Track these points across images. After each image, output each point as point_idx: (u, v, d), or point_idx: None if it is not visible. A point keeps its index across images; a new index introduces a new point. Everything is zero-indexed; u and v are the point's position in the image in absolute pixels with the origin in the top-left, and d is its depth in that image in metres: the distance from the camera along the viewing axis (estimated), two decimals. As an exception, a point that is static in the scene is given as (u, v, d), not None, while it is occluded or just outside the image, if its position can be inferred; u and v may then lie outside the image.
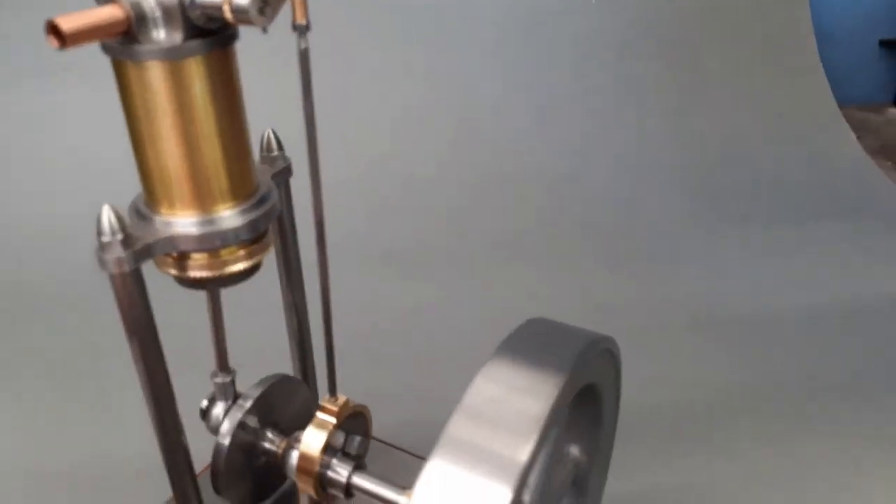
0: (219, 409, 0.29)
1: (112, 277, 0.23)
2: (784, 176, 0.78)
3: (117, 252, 0.22)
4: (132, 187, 0.26)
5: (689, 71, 0.84)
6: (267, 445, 0.30)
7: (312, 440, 0.28)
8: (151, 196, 0.24)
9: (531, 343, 0.23)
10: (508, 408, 0.20)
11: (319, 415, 0.28)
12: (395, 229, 0.67)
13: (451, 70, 0.79)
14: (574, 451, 0.31)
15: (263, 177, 0.27)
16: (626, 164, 0.77)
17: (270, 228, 0.28)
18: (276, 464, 0.30)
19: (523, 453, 0.19)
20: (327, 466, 0.28)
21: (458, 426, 0.20)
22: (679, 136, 0.80)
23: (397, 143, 0.74)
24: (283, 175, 0.28)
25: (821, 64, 0.90)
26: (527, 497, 0.26)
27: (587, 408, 0.29)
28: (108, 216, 0.22)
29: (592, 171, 0.76)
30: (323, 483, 0.28)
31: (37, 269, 0.61)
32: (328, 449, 0.28)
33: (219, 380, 0.29)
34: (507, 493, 0.19)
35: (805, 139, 0.83)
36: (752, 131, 0.82)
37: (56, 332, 0.54)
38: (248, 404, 0.29)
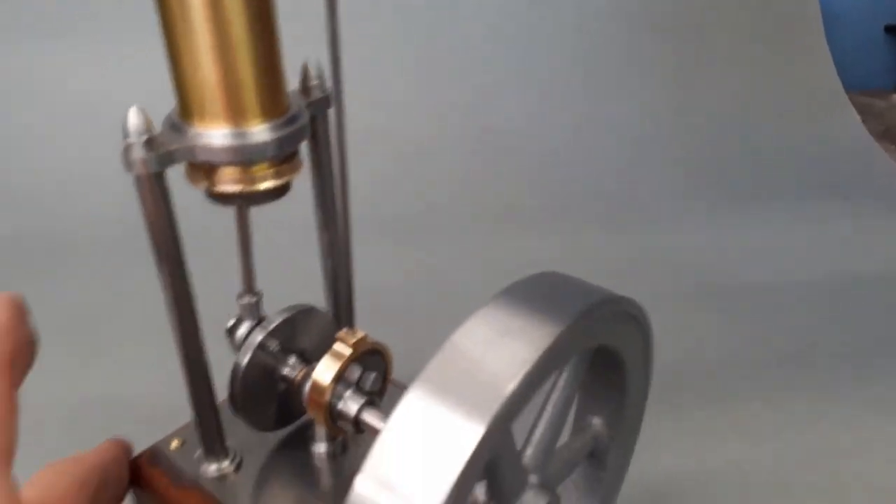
0: (243, 329, 0.30)
1: (137, 179, 0.24)
2: (788, 154, 0.79)
3: (141, 153, 0.23)
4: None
5: (696, 49, 0.85)
6: (286, 371, 0.31)
7: (325, 369, 0.28)
8: (184, 107, 0.24)
9: (536, 292, 0.22)
10: (496, 349, 0.19)
11: (336, 346, 0.28)
12: (400, 196, 0.68)
13: (457, 41, 0.79)
14: (595, 422, 0.29)
15: (298, 103, 0.27)
16: (631, 139, 0.78)
17: (308, 164, 0.28)
18: (295, 391, 0.31)
19: (502, 393, 0.18)
20: (339, 398, 0.28)
21: (441, 363, 0.20)
22: (685, 113, 0.81)
23: (401, 112, 0.74)
24: (321, 106, 0.28)
25: (827, 47, 0.90)
26: (529, 451, 0.24)
27: (609, 377, 0.27)
28: (134, 118, 0.23)
29: (597, 146, 0.77)
30: (333, 415, 0.28)
31: (51, 217, 0.63)
32: (341, 381, 0.28)
33: (245, 300, 0.30)
34: (478, 430, 0.18)
35: (810, 120, 0.84)
36: (758, 110, 0.83)
37: (69, 280, 0.56)
38: (272, 326, 0.30)
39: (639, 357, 0.27)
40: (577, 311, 0.21)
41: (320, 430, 0.31)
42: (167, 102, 0.25)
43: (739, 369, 0.47)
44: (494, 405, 0.18)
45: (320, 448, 0.32)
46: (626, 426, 0.29)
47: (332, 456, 0.32)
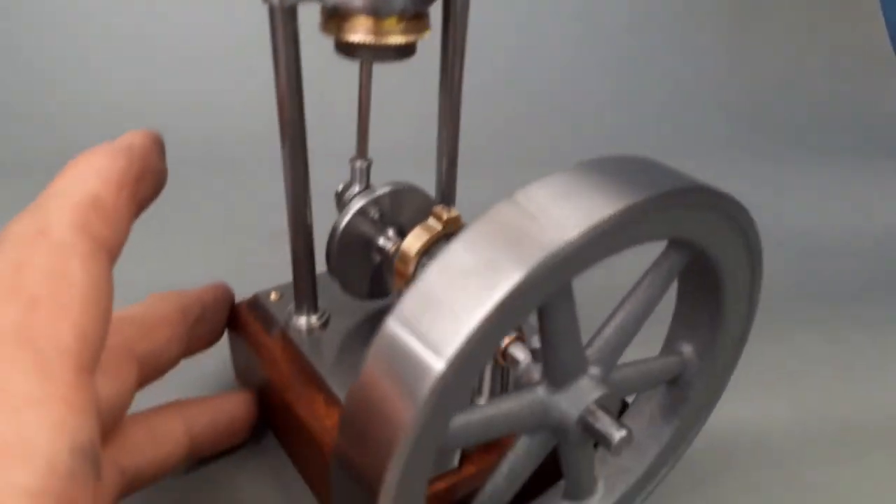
0: (350, 192, 0.31)
1: (271, 11, 0.25)
2: (836, 111, 0.81)
3: (277, -16, 0.24)
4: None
5: (750, 6, 0.86)
6: (382, 242, 0.31)
7: (414, 240, 0.28)
8: (326, -48, 0.25)
9: (619, 166, 0.20)
10: (562, 205, 0.18)
11: (429, 220, 0.29)
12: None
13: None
14: (686, 349, 0.27)
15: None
16: (681, 91, 0.80)
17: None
18: (388, 265, 0.31)
19: (553, 243, 0.17)
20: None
21: (499, 211, 0.19)
22: (734, 67, 0.83)
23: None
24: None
25: (881, 13, 0.89)
26: (596, 343, 0.23)
27: (705, 296, 0.25)
28: (276, -50, 0.24)
29: (646, 96, 0.79)
30: (418, 285, 0.29)
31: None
32: (427, 254, 0.28)
33: (356, 164, 0.31)
34: (516, 275, 0.17)
35: (859, 83, 0.85)
36: (808, 70, 0.84)
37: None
38: (376, 194, 0.30)
39: (740, 276, 0.24)
40: (664, 188, 0.19)
41: (405, 307, 0.32)
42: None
43: (791, 300, 0.49)
44: (541, 253, 0.17)
45: (402, 325, 0.32)
46: (717, 360, 0.27)
47: (413, 336, 0.32)
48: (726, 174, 0.69)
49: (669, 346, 0.28)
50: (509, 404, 0.22)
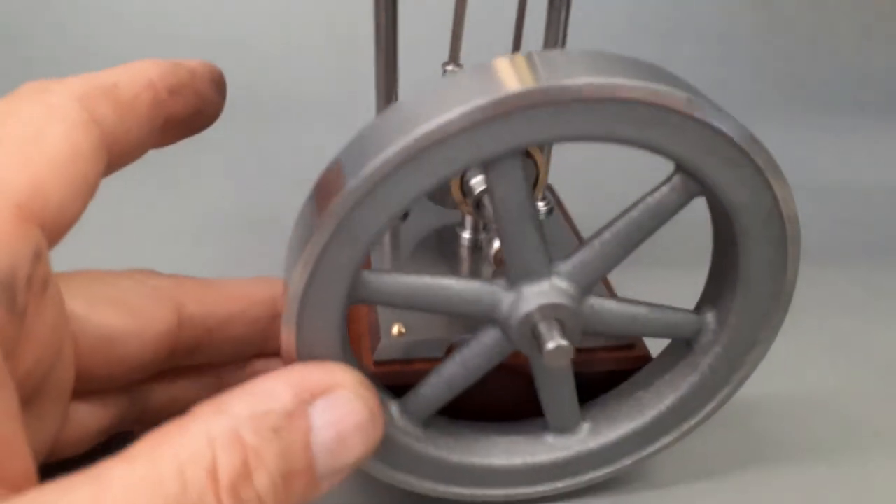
0: (440, 95, 0.33)
1: None
2: (873, 73, 0.79)
3: None
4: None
5: None
6: (458, 148, 0.32)
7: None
8: None
9: (647, 66, 0.19)
10: (557, 59, 0.19)
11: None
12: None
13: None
14: (708, 312, 0.25)
15: None
16: (715, 48, 0.78)
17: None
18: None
19: (495, 93, 0.18)
20: (474, 175, 0.29)
21: (495, 62, 0.19)
22: (761, 21, 0.80)
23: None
24: None
25: None
26: (574, 258, 0.22)
27: (724, 253, 0.23)
28: None
29: (678, 53, 0.76)
30: (464, 189, 0.30)
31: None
32: (481, 159, 0.29)
33: (448, 69, 0.32)
34: (445, 116, 0.18)
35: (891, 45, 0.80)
36: (844, 26, 0.81)
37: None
38: (459, 101, 0.32)
39: (763, 232, 0.22)
40: (656, 81, 0.18)
41: (466, 216, 0.33)
42: None
43: (825, 249, 0.48)
44: (483, 100, 0.18)
45: (465, 234, 0.33)
46: (736, 334, 0.24)
47: (473, 248, 0.33)
48: (755, 130, 0.63)
49: (698, 308, 0.26)
50: (452, 282, 0.22)
